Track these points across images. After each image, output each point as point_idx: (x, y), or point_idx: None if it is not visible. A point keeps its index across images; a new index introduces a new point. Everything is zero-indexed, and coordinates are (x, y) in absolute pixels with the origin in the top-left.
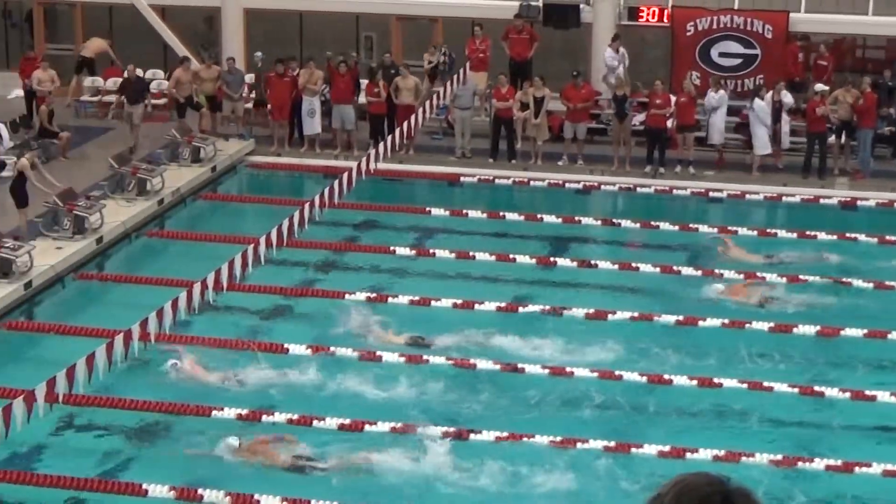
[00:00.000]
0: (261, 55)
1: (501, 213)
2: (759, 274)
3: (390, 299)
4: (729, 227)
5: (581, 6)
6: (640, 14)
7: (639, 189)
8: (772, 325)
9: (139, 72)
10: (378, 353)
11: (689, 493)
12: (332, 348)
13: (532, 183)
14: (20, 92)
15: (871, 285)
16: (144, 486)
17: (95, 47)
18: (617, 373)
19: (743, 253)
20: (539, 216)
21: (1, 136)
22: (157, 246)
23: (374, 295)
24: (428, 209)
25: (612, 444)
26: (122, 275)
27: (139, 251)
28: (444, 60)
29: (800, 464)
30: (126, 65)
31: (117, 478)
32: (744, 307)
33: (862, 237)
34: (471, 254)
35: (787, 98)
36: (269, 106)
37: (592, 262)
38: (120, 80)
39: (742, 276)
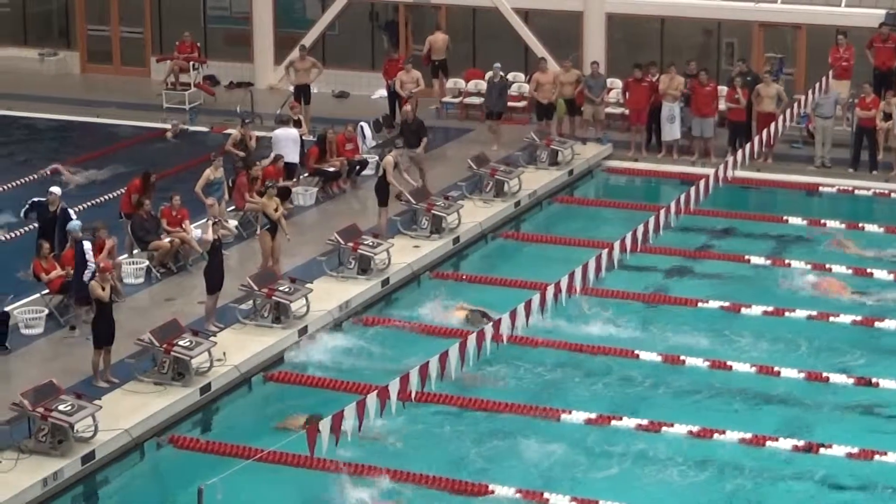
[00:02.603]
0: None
1: (861, 225)
2: None
3: (743, 310)
4: None
5: None
6: None
7: None
8: None
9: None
10: (729, 362)
11: None
12: (682, 357)
13: (893, 195)
14: (384, 92)
15: None
16: (490, 486)
17: (439, 46)
18: None
19: (856, 248)
20: None
21: (364, 135)
22: (511, 247)
23: (728, 304)
24: (785, 218)
25: None
26: (477, 275)
27: (494, 252)
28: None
29: None
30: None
31: (462, 476)
32: None
33: None
34: (827, 266)
35: None
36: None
37: None
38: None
39: None
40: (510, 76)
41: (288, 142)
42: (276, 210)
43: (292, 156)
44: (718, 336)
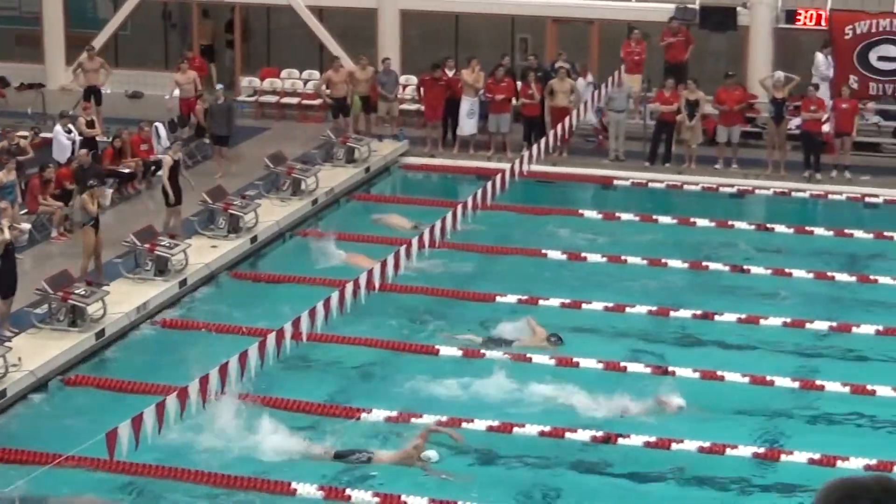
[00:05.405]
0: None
1: (654, 217)
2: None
3: (541, 302)
4: (884, 233)
5: (738, 9)
6: (798, 17)
7: (793, 194)
8: None
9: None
10: (528, 356)
11: (857, 495)
12: (482, 351)
13: (685, 187)
14: (178, 92)
15: None
16: (293, 485)
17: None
18: (769, 378)
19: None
20: (692, 220)
21: (159, 135)
22: (310, 245)
23: (525, 297)
24: (581, 212)
25: (762, 450)
26: (276, 274)
27: (293, 250)
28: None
29: None
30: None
31: (267, 476)
32: None
33: None
34: (622, 257)
35: None
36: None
37: (745, 267)
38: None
39: None
40: (305, 73)
41: (54, 141)
42: (94, 206)
43: (56, 154)
44: (514, 330)
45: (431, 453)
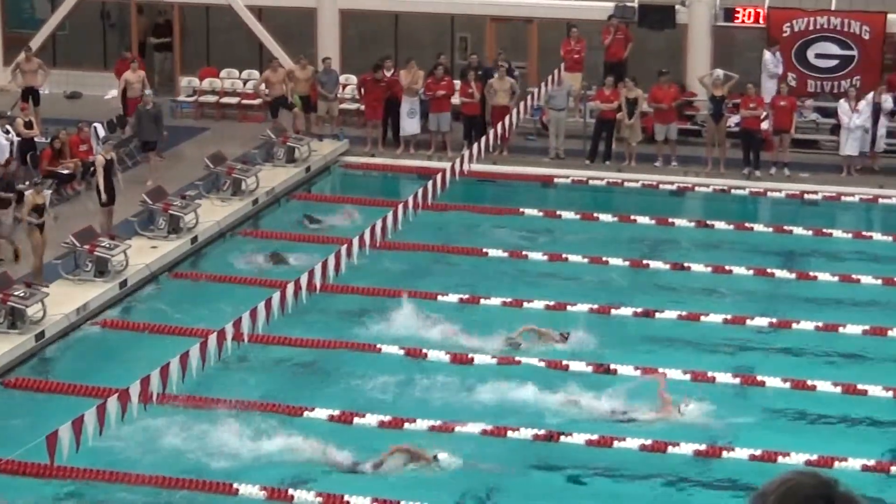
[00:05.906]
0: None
1: (595, 215)
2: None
3: (482, 301)
4: (823, 230)
5: (676, 7)
6: (736, 15)
7: (733, 191)
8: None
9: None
10: (470, 355)
11: (793, 494)
12: (424, 350)
13: (626, 184)
14: (115, 92)
15: None
16: (235, 485)
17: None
18: (710, 374)
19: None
20: (632, 218)
21: (98, 135)
22: (251, 245)
23: (467, 296)
24: (521, 210)
25: (703, 447)
26: (217, 274)
27: (233, 250)
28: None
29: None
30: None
31: (209, 477)
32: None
33: None
34: (563, 255)
35: (888, 102)
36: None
37: (685, 264)
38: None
39: None
40: (244, 73)
41: None
42: (33, 208)
43: None
44: (461, 329)
45: (442, 453)
